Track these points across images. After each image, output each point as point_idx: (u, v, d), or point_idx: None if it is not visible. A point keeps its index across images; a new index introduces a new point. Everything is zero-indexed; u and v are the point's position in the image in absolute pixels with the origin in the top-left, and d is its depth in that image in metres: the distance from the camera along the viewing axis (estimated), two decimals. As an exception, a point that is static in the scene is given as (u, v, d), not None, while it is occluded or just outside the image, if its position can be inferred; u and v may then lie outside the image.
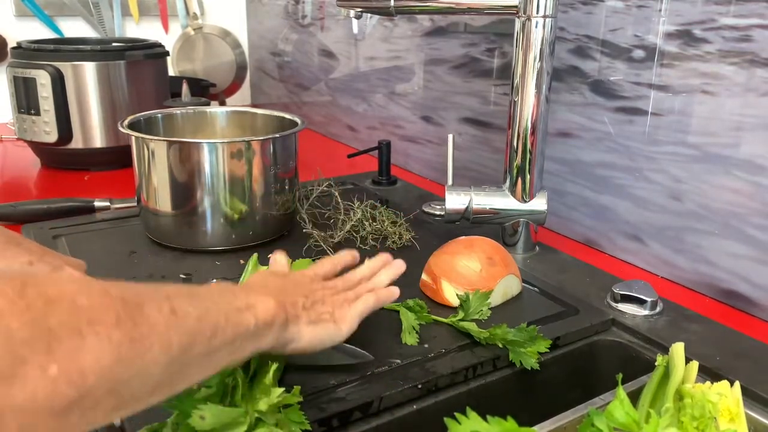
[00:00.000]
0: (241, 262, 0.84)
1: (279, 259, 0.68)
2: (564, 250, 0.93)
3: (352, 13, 0.94)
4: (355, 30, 1.47)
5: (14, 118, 1.32)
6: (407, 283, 0.80)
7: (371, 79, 1.45)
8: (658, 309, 0.75)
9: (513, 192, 0.88)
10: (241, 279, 0.73)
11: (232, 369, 0.51)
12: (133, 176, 0.91)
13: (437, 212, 0.90)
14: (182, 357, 0.39)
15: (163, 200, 0.88)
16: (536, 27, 0.80)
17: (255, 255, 0.76)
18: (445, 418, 0.47)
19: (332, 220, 0.98)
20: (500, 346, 0.65)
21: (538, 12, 0.79)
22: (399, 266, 0.67)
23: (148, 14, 1.89)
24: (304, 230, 0.94)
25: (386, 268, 0.67)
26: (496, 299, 0.75)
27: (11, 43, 1.66)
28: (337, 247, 0.90)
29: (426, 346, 0.66)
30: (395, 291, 0.64)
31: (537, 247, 0.93)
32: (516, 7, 0.81)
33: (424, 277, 0.78)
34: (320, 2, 1.60)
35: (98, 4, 1.81)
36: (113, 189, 1.22)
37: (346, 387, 0.59)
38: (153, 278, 0.81)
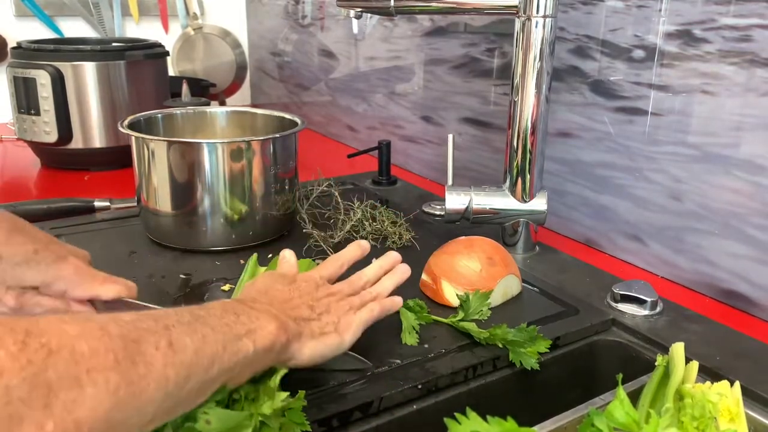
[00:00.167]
0: (241, 262, 0.84)
1: (288, 257, 0.68)
2: (564, 250, 0.93)
3: (352, 13, 0.94)
4: (355, 30, 1.47)
5: (14, 118, 1.32)
6: (407, 283, 0.80)
7: (371, 79, 1.45)
8: (658, 309, 0.75)
9: (513, 192, 0.88)
10: (240, 279, 0.73)
11: None
12: (133, 176, 0.91)
13: (437, 212, 0.90)
14: (178, 391, 0.40)
15: (163, 200, 0.88)
16: (536, 27, 0.80)
17: (254, 255, 0.76)
18: (445, 419, 0.47)
19: (332, 220, 0.98)
20: (500, 346, 0.65)
21: (538, 12, 0.79)
22: (404, 272, 0.68)
23: (148, 14, 1.89)
24: (304, 230, 0.94)
25: (391, 274, 0.67)
26: (496, 299, 0.75)
27: (11, 43, 1.66)
28: (337, 247, 0.90)
29: (426, 346, 0.66)
30: (398, 301, 0.65)
31: (537, 247, 0.93)
32: (516, 7, 0.81)
33: (424, 277, 0.78)
34: (320, 2, 1.60)
35: (98, 4, 1.81)
36: (113, 189, 1.22)
37: (346, 387, 0.59)
38: (153, 278, 0.81)
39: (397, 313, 0.70)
